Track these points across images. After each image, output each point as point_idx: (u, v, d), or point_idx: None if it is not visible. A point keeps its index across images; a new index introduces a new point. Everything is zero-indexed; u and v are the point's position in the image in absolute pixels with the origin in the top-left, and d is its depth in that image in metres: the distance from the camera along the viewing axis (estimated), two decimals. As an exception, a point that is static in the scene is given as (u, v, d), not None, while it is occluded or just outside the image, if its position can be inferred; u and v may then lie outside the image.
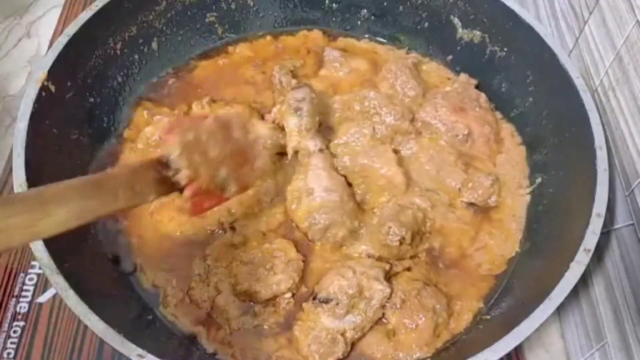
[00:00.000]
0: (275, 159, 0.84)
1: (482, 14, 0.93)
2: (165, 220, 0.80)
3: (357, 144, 0.86)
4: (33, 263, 0.82)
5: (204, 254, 0.77)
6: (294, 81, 0.91)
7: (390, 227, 0.76)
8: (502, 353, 0.60)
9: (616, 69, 0.72)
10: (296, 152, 0.82)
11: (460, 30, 0.97)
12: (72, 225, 0.50)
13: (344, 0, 1.02)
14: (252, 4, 1.01)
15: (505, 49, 0.92)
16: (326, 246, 0.78)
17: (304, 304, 0.73)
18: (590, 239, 0.66)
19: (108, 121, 0.89)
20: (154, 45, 0.95)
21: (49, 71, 0.76)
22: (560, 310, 0.74)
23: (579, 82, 0.78)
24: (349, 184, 0.82)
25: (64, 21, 1.09)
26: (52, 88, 0.77)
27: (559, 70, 0.80)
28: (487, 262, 0.80)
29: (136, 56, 0.93)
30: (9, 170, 0.88)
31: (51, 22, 1.11)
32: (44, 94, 0.75)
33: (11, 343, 0.76)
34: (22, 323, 0.77)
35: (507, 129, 0.92)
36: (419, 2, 0.98)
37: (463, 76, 0.96)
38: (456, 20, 0.96)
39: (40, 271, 0.82)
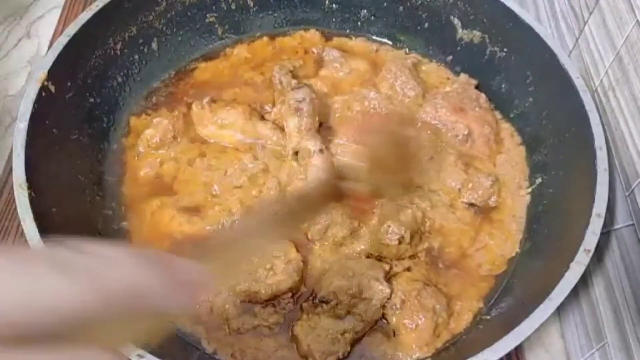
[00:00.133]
0: None
1: (482, 14, 0.93)
2: (165, 220, 0.80)
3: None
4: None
5: (204, 254, 0.77)
6: (294, 81, 0.91)
7: (389, 226, 0.76)
8: (502, 353, 0.60)
9: (616, 69, 0.72)
10: (296, 152, 0.82)
11: (460, 30, 0.97)
12: None
13: (344, 0, 1.02)
14: (252, 4, 1.01)
15: (505, 50, 0.92)
16: (326, 246, 0.78)
17: (304, 304, 0.73)
18: (590, 239, 0.66)
19: (108, 122, 0.89)
20: (154, 45, 0.95)
21: (49, 71, 0.76)
22: (560, 310, 0.74)
23: (579, 83, 0.78)
24: (349, 184, 0.82)
25: (64, 21, 1.09)
26: (52, 88, 0.77)
27: (559, 71, 0.80)
28: (487, 262, 0.80)
29: (136, 56, 0.93)
30: (9, 170, 0.87)
31: (51, 22, 1.11)
32: (44, 94, 0.75)
33: (11, 343, 0.76)
34: (21, 323, 0.77)
35: (507, 129, 0.92)
36: (419, 2, 0.98)
37: (463, 76, 0.96)
38: (456, 21, 0.96)
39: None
